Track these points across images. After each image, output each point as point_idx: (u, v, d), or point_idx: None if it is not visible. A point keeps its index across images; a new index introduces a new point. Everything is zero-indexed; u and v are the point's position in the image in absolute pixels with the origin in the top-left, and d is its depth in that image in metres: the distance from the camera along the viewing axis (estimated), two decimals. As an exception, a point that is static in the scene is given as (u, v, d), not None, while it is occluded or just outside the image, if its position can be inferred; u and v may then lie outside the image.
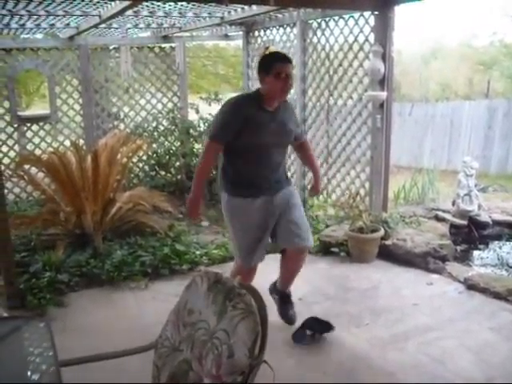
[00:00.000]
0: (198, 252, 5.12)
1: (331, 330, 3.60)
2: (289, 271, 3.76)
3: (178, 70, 7.48)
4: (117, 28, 6.72)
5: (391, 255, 4.98)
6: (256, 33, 7.14)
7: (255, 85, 7.25)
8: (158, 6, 5.31)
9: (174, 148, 7.32)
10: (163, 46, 7.62)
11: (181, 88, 7.75)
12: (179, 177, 7.23)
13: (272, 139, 3.34)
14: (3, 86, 6.94)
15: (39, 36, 7.32)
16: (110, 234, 5.52)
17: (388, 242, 5.03)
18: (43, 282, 4.40)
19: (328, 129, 6.09)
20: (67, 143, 7.15)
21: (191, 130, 7.09)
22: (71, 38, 6.94)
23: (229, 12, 5.74)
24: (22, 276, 4.54)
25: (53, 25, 6.23)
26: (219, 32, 7.74)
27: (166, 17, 5.85)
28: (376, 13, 5.15)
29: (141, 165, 7.45)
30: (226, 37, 7.88)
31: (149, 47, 7.52)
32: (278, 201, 3.47)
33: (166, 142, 7.34)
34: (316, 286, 4.49)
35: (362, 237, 4.95)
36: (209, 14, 5.81)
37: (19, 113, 7.15)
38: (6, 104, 7.00)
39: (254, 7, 5.38)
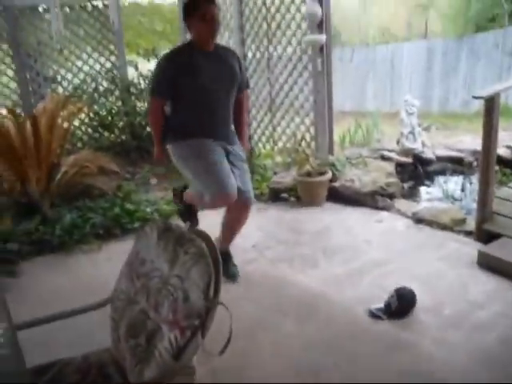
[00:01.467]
0: (148, 209, 5.07)
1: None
2: (231, 224, 3.66)
3: (113, 27, 7.23)
4: (44, -14, 6.42)
5: (340, 196, 5.08)
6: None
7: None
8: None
9: (115, 108, 7.15)
10: (95, 3, 7.32)
11: (118, 46, 7.49)
12: (124, 137, 7.11)
13: (212, 81, 3.31)
14: None
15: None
16: (57, 199, 5.39)
17: (336, 184, 5.12)
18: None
19: (269, 76, 6.05)
20: (4, 112, 6.90)
21: (132, 88, 6.94)
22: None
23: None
24: None
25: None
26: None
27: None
28: (309, -46, 5.09)
29: (83, 128, 7.25)
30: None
31: (81, 6, 7.22)
32: (234, 152, 3.49)
33: (107, 103, 7.15)
34: (268, 231, 4.55)
35: (310, 180, 5.02)
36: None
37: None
38: None
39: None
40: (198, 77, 3.28)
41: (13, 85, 7.10)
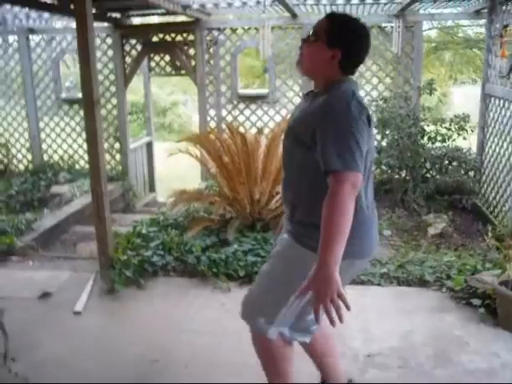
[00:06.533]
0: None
1: None
2: None
3: (398, 53, 6.42)
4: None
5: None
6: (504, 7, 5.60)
7: (495, 75, 5.82)
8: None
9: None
10: (385, 25, 6.65)
11: (402, 75, 6.70)
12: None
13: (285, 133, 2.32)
14: (227, 64, 7.09)
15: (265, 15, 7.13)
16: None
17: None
18: (135, 261, 4.33)
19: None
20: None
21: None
22: (294, 16, 6.63)
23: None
24: (143, 249, 4.57)
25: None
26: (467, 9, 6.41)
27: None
28: None
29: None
30: (477, 14, 6.40)
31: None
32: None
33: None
34: (407, 343, 3.31)
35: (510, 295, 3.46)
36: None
37: (239, 90, 7.20)
38: (228, 82, 7.15)
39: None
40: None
41: (297, 100, 7.09)
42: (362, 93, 6.80)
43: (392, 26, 6.34)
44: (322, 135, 2.00)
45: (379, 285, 4.12)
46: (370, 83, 6.81)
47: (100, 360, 3.18)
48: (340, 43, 2.10)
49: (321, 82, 2.18)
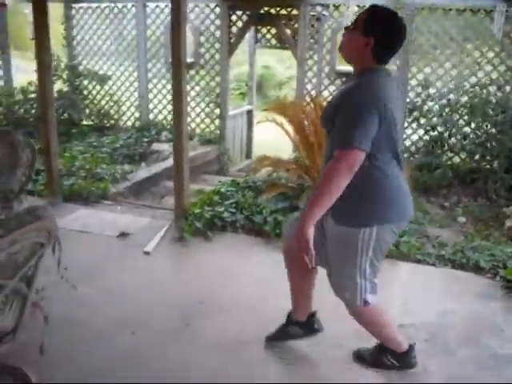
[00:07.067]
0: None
1: None
2: None
3: (500, 38, 6.19)
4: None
5: None
6: None
7: None
8: None
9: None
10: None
11: (505, 62, 6.45)
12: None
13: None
14: (328, 40, 7.22)
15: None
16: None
17: None
18: (207, 214, 4.73)
19: None
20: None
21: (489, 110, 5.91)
22: (397, -4, 6.60)
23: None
24: (219, 205, 4.95)
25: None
26: None
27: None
28: None
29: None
30: None
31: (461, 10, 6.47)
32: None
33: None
34: (441, 321, 3.39)
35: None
36: None
37: (337, 67, 7.31)
38: (328, 57, 7.28)
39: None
40: None
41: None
42: (459, 79, 6.67)
43: (497, 11, 6.14)
44: (337, 116, 2.31)
45: (433, 265, 4.20)
46: (470, 69, 6.63)
47: (154, 294, 3.59)
48: (374, 32, 2.32)
49: (357, 67, 2.44)
